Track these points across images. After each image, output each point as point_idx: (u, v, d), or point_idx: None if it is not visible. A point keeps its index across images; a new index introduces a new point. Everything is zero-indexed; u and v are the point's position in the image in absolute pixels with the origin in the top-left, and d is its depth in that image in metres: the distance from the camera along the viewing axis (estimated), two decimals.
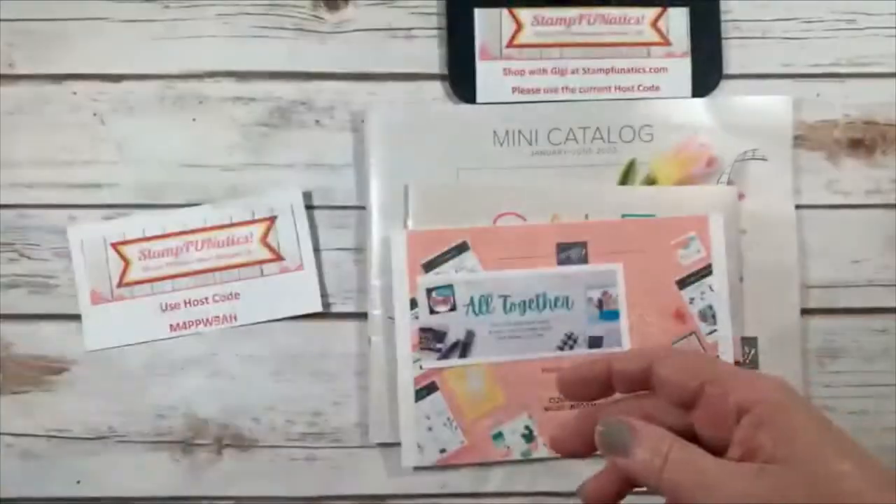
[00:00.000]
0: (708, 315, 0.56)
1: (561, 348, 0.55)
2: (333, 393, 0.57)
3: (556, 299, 0.55)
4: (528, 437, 0.56)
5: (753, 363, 0.57)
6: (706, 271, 0.56)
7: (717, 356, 0.55)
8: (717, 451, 0.31)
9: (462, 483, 0.57)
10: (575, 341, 0.55)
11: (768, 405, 0.30)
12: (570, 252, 0.55)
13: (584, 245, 0.55)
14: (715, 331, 0.56)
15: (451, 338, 0.55)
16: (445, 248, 0.55)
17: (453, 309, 0.55)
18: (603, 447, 0.34)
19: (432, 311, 0.55)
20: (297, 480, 0.57)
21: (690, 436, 0.32)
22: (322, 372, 0.57)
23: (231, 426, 0.57)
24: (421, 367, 0.55)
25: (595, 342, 0.55)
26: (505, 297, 0.55)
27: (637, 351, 0.36)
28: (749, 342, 0.57)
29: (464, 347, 0.55)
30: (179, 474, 0.57)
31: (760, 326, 0.57)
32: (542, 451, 0.56)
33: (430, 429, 0.55)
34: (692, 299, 0.56)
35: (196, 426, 0.57)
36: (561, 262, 0.55)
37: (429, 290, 0.55)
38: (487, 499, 0.57)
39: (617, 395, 0.35)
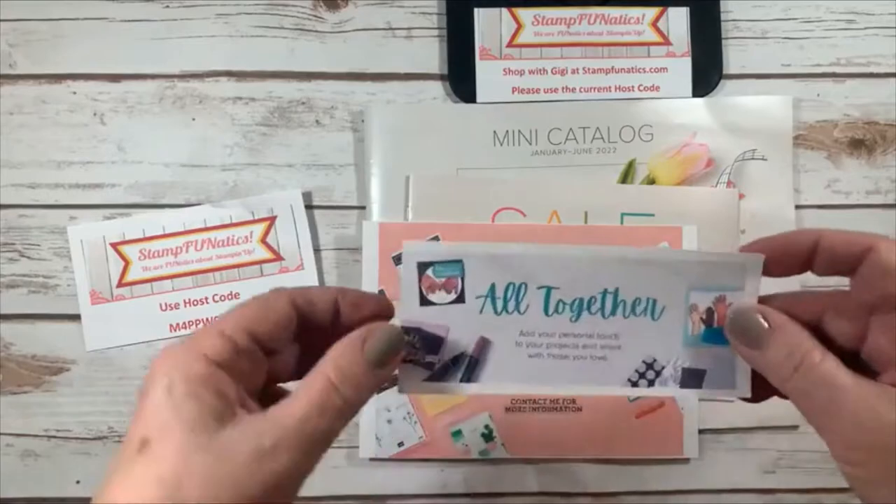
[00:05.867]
0: None
1: (634, 383, 0.35)
2: None
3: (637, 302, 0.35)
4: (488, 436, 0.55)
5: None
6: None
7: None
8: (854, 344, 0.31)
9: (462, 483, 0.57)
10: (658, 373, 0.35)
11: None
12: None
13: None
14: None
15: (452, 348, 0.35)
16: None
17: (460, 300, 0.35)
18: (734, 332, 0.33)
19: (424, 300, 0.35)
20: None
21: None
22: None
23: None
24: None
25: (692, 378, 0.35)
26: (548, 290, 0.35)
27: (853, 233, 0.32)
28: None
29: (471, 367, 0.35)
30: None
31: None
32: (500, 451, 0.55)
33: (389, 421, 0.55)
34: None
35: None
36: None
37: (422, 266, 0.35)
38: (484, 499, 0.57)
39: None
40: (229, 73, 0.58)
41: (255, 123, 0.58)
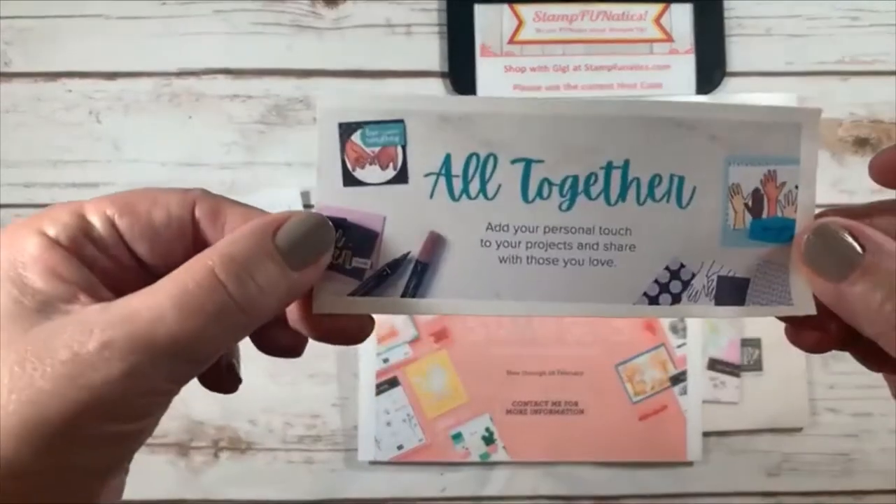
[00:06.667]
0: (679, 327, 0.54)
1: (653, 298, 0.25)
2: (332, 395, 0.56)
3: (656, 181, 0.25)
4: (489, 439, 0.55)
5: (757, 364, 0.56)
6: None
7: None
8: None
9: (462, 487, 0.56)
10: (686, 285, 0.25)
11: None
12: None
13: None
14: (684, 345, 0.55)
15: (390, 249, 0.25)
16: None
17: (400, 178, 0.25)
18: (809, 258, 0.23)
19: (350, 179, 0.25)
20: (294, 483, 0.56)
21: None
22: (320, 374, 0.57)
23: (228, 428, 0.56)
24: (385, 361, 0.54)
25: (731, 291, 0.26)
26: (528, 164, 0.25)
27: None
28: (752, 343, 0.56)
29: (418, 275, 0.25)
30: (176, 477, 0.56)
31: (764, 327, 0.56)
32: (500, 454, 0.55)
33: (388, 424, 0.55)
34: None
35: (193, 429, 0.56)
36: None
37: (346, 129, 0.25)
38: (484, 503, 0.57)
39: None
40: (226, 71, 0.57)
41: (252, 121, 0.57)
